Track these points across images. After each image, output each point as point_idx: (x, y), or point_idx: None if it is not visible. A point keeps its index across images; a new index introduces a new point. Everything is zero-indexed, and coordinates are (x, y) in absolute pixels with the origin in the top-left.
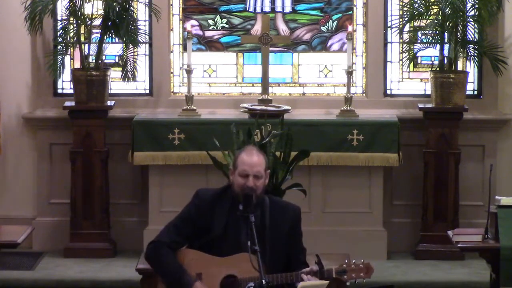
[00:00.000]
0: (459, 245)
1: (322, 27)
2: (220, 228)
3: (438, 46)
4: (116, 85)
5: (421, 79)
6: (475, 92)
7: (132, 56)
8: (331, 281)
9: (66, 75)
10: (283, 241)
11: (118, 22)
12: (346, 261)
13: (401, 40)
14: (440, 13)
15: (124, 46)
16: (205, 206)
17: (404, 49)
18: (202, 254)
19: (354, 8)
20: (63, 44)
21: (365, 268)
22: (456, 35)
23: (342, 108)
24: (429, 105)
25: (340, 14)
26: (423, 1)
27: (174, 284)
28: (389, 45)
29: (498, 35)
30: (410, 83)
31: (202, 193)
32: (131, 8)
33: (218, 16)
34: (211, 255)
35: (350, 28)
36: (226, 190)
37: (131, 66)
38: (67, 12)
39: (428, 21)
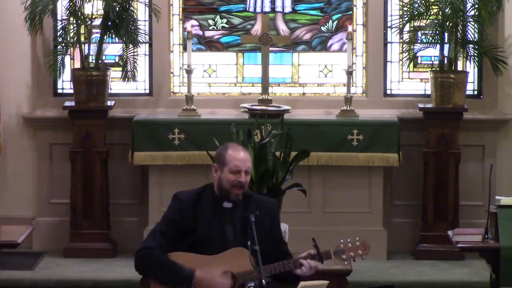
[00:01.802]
0: (459, 245)
1: (322, 27)
2: (205, 228)
3: (438, 46)
4: (116, 85)
5: (421, 79)
6: (475, 92)
7: (132, 56)
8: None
9: (66, 75)
10: (266, 235)
11: (118, 22)
12: (342, 241)
13: (401, 40)
14: (440, 13)
15: (124, 46)
16: (187, 208)
17: (404, 49)
18: (193, 255)
19: (354, 8)
20: (63, 44)
21: (362, 246)
22: (456, 35)
23: (342, 108)
24: (429, 105)
25: (340, 14)
26: (423, 1)
27: (173, 281)
28: (389, 45)
29: (498, 35)
30: (410, 83)
31: (182, 196)
32: (131, 8)
33: (218, 16)
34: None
35: (350, 28)
36: (205, 190)
37: (131, 66)
38: (67, 12)
39: (428, 21)
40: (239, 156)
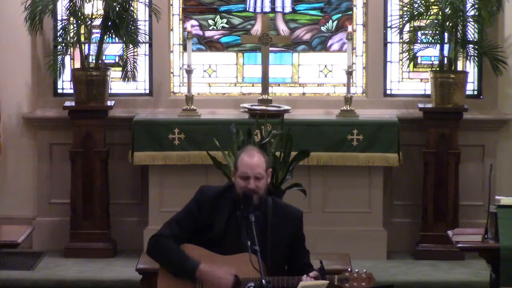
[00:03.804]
0: (459, 245)
1: (322, 27)
2: (221, 227)
3: (438, 46)
4: (116, 85)
5: (421, 79)
6: (475, 92)
7: (132, 56)
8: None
9: (66, 75)
10: (284, 243)
11: (118, 22)
12: (349, 269)
13: (401, 40)
14: (440, 13)
15: (124, 46)
16: (207, 203)
17: (404, 49)
18: (205, 250)
19: (354, 8)
20: (63, 44)
21: (367, 278)
22: (456, 35)
23: (342, 108)
24: (429, 105)
25: (340, 14)
26: (423, 1)
27: (178, 270)
28: (389, 45)
29: (498, 35)
30: (410, 83)
31: (205, 190)
32: (131, 8)
33: (218, 16)
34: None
35: (350, 28)
36: (229, 189)
37: (131, 66)
38: (67, 12)
39: (428, 21)
40: (248, 162)
